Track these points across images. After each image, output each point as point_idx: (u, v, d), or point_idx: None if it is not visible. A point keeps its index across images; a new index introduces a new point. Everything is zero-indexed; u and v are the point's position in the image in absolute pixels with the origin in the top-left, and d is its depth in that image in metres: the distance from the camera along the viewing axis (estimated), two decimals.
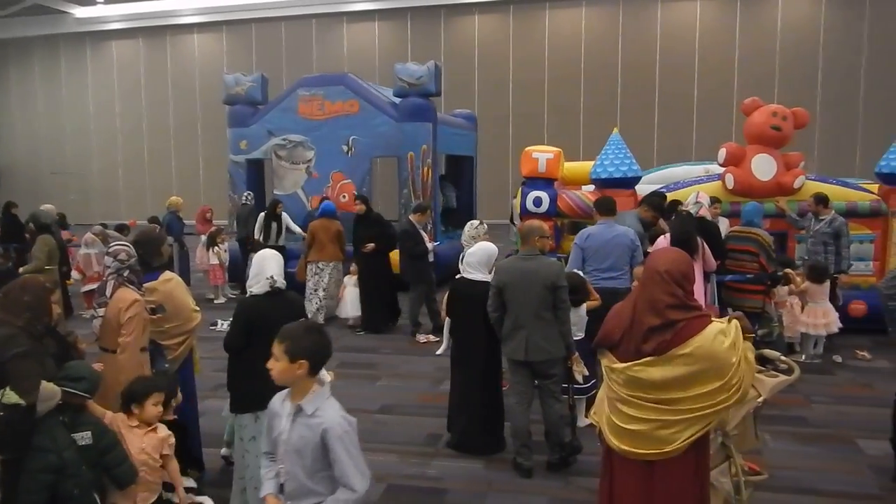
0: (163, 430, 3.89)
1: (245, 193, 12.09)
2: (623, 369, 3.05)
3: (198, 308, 4.77)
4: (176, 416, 4.19)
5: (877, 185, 8.95)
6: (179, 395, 4.23)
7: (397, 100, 11.98)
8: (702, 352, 2.91)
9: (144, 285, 4.31)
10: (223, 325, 9.20)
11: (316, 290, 9.35)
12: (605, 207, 6.53)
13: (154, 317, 4.26)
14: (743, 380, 2.98)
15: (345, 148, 12.00)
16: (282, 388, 4.35)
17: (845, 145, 20.89)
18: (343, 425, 2.69)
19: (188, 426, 4.52)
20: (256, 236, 10.76)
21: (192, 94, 26.49)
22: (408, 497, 4.68)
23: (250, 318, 4.03)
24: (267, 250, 4.33)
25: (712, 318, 3.05)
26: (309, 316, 9.26)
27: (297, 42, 25.38)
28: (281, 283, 4.09)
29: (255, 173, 12.93)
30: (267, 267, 4.09)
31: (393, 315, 9.44)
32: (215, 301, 11.17)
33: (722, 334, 2.96)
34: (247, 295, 4.19)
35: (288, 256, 10.15)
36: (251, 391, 3.99)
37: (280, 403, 2.84)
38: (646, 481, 3.05)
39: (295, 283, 7.69)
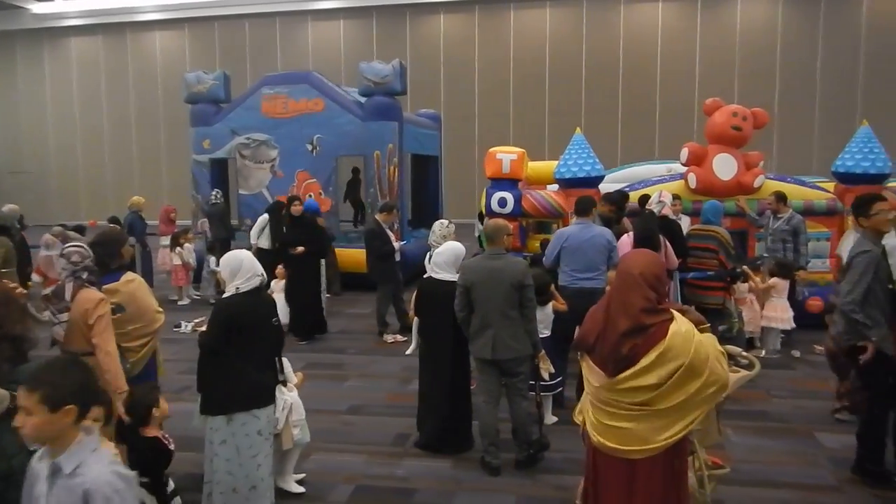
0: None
1: (213, 192, 11.87)
2: (601, 386, 3.03)
3: (161, 309, 4.70)
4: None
5: (833, 184, 9.17)
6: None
7: (363, 99, 11.92)
8: (664, 358, 2.88)
9: (105, 286, 4.24)
10: (187, 327, 9.07)
11: None
12: (582, 208, 6.52)
13: (114, 316, 4.17)
14: (708, 362, 2.89)
15: (309, 147, 11.92)
16: (263, 386, 4.22)
17: (802, 145, 21.39)
18: (113, 483, 2.13)
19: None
20: (254, 241, 9.86)
21: (153, 93, 26.03)
22: (376, 497, 4.67)
23: (231, 317, 3.98)
24: (242, 250, 4.30)
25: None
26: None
27: (261, 40, 25.11)
28: (265, 281, 4.18)
29: (219, 173, 12.75)
30: (257, 265, 4.13)
31: (318, 325, 8.97)
32: (179, 302, 11.00)
33: (680, 327, 2.94)
34: (226, 294, 4.12)
35: None
36: (224, 392, 3.94)
37: (38, 463, 2.28)
38: (629, 480, 3.03)
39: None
